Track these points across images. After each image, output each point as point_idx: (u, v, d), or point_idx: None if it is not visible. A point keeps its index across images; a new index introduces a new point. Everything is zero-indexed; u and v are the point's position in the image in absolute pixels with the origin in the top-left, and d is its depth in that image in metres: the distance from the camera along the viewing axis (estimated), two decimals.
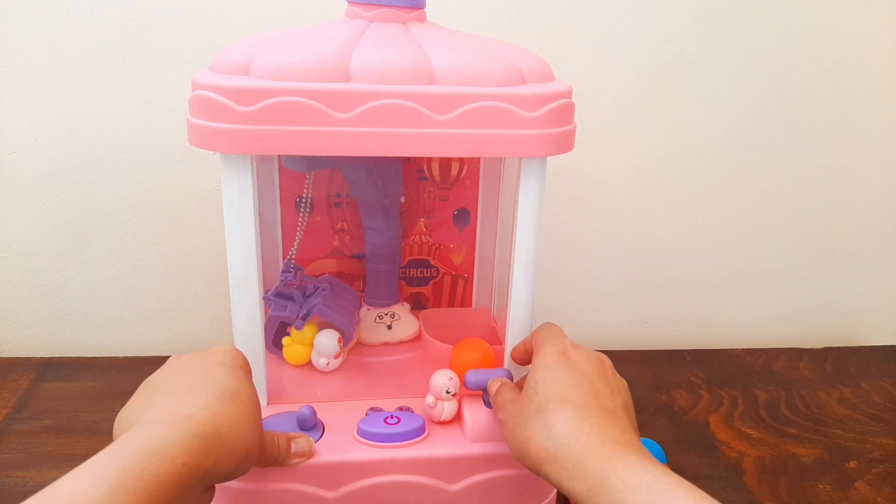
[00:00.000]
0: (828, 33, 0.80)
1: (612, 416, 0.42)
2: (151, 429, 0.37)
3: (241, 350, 0.48)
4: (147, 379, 0.45)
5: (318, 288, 0.60)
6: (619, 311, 0.89)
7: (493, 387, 0.50)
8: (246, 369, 0.46)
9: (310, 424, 0.51)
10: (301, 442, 0.48)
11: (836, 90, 0.82)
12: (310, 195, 0.66)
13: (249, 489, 0.48)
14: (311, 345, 0.60)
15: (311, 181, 0.66)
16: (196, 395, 0.40)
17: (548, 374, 0.44)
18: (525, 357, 0.52)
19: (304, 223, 0.67)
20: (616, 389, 0.45)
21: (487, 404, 0.53)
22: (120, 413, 0.42)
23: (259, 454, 0.44)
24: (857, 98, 0.83)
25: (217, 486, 0.44)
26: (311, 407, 0.51)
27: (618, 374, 0.47)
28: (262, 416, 0.51)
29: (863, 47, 0.81)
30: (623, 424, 0.42)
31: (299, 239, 0.67)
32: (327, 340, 0.59)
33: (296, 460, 0.48)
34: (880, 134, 0.85)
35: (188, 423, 0.38)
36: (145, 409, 0.40)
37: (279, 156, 0.65)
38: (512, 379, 0.52)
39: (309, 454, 0.49)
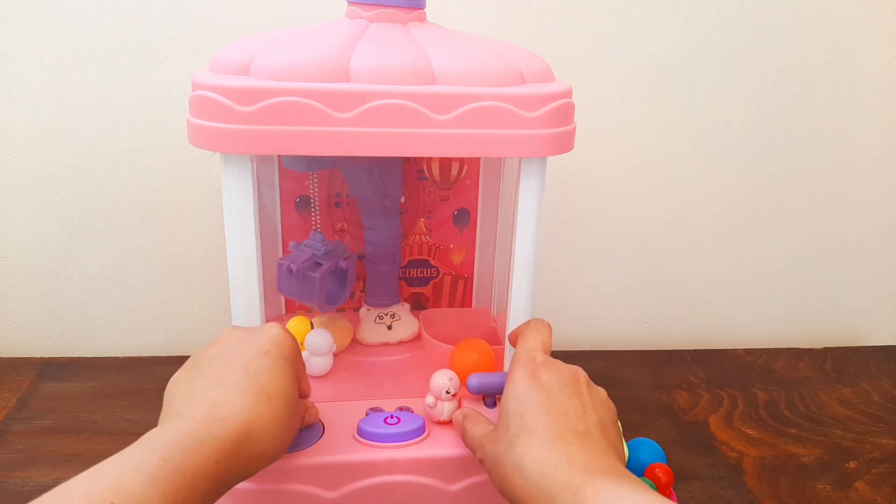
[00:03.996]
0: (827, 32, 0.80)
1: (584, 439, 0.41)
2: (190, 425, 0.38)
3: (294, 340, 0.47)
4: (197, 353, 0.46)
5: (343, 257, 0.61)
6: (619, 311, 0.89)
7: (457, 420, 0.50)
8: (290, 360, 0.45)
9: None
10: (312, 411, 0.50)
11: (835, 89, 0.82)
12: (316, 195, 0.67)
13: (249, 489, 0.48)
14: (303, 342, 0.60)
15: (315, 181, 0.66)
16: (235, 393, 0.41)
17: (517, 403, 0.43)
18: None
19: (318, 223, 0.67)
20: (590, 407, 0.43)
21: (488, 405, 0.53)
22: (171, 380, 0.44)
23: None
24: (856, 97, 0.83)
25: None
26: None
27: (595, 387, 0.46)
28: None
29: (862, 46, 0.81)
30: (595, 445, 0.41)
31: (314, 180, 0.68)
32: (319, 339, 0.59)
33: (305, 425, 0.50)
34: (879, 133, 0.85)
35: (222, 426, 0.39)
36: (191, 392, 0.41)
37: (278, 156, 0.65)
38: None
39: (314, 420, 0.51)
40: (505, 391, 0.45)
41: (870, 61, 0.82)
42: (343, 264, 0.60)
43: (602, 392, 0.46)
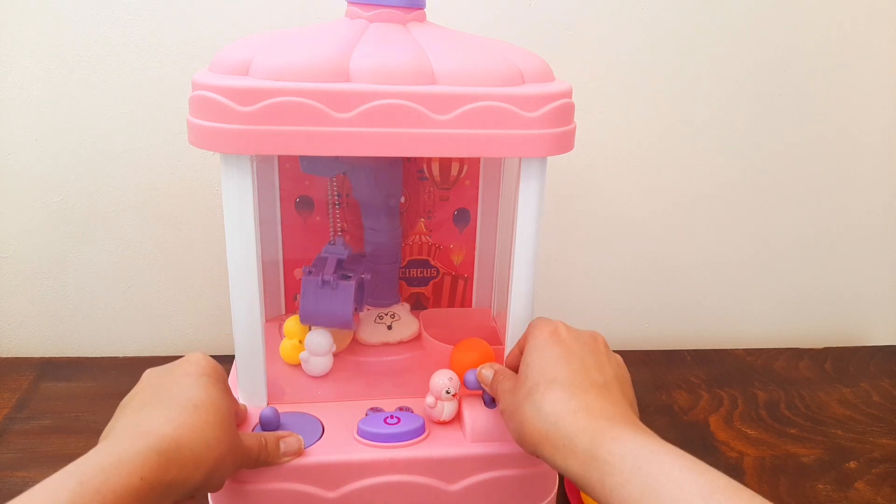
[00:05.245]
0: (827, 30, 0.79)
1: (602, 390, 0.42)
2: (109, 445, 0.37)
3: (213, 358, 0.48)
4: (123, 399, 0.45)
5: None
6: (619, 312, 0.89)
7: (488, 374, 0.50)
8: (213, 377, 0.46)
9: (273, 426, 0.50)
10: (290, 441, 0.49)
11: (836, 89, 0.82)
12: (335, 198, 0.67)
13: (249, 489, 0.48)
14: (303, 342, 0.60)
15: (333, 184, 0.67)
16: (158, 410, 0.41)
17: (537, 355, 0.45)
18: (520, 360, 0.51)
19: (337, 223, 0.68)
20: (607, 364, 0.45)
21: (487, 404, 0.53)
22: (102, 434, 0.43)
23: (238, 460, 0.44)
24: (856, 99, 0.83)
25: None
26: (274, 408, 0.51)
27: (612, 351, 0.47)
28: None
29: (862, 42, 0.81)
30: (613, 397, 0.42)
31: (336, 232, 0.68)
32: (319, 339, 0.59)
33: (286, 459, 0.48)
34: (880, 137, 0.85)
35: (145, 438, 0.38)
36: (113, 427, 0.41)
37: (278, 156, 0.65)
38: None
39: (299, 452, 0.49)
40: (526, 347, 0.46)
41: (871, 58, 0.81)
42: (366, 276, 0.60)
43: (618, 357, 0.48)
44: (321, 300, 0.58)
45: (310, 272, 0.59)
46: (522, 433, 0.43)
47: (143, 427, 0.39)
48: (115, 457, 0.36)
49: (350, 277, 0.59)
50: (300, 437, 0.49)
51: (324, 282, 0.58)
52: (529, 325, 0.50)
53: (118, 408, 0.45)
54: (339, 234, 0.67)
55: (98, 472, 0.35)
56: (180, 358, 0.48)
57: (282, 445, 0.48)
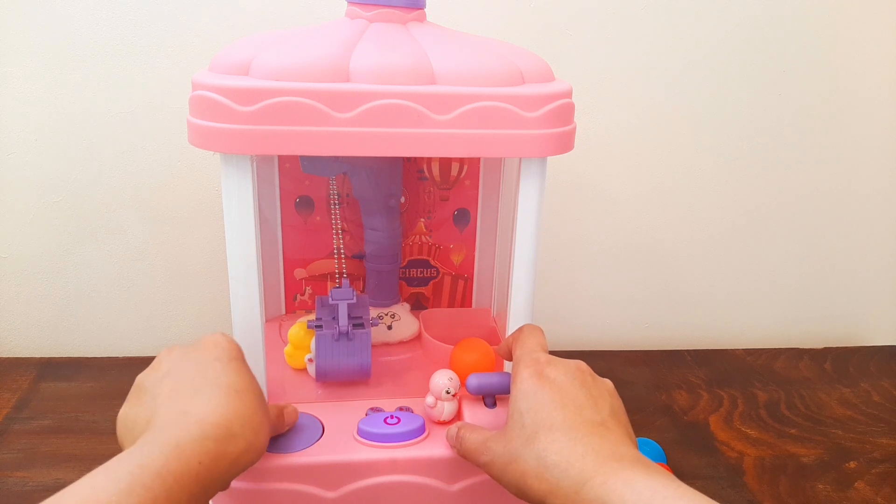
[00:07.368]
0: (829, 38, 0.80)
1: (603, 430, 0.41)
2: (165, 431, 0.37)
3: (237, 343, 0.47)
4: (139, 379, 0.44)
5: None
6: (620, 312, 0.89)
7: (452, 433, 0.49)
8: (241, 359, 0.46)
9: None
10: (290, 410, 0.51)
11: (837, 94, 0.82)
12: (336, 199, 0.67)
13: (249, 489, 0.48)
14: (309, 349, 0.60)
15: (334, 186, 0.67)
16: (202, 397, 0.41)
17: (529, 401, 0.43)
18: (508, 354, 0.52)
19: (339, 222, 0.67)
20: (599, 397, 0.44)
21: (488, 405, 0.53)
22: (120, 416, 0.42)
23: (270, 437, 0.46)
24: (857, 103, 0.83)
25: None
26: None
27: (599, 378, 0.46)
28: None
29: (865, 55, 0.81)
30: (615, 435, 0.41)
31: (339, 236, 0.68)
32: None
33: (287, 427, 0.51)
34: (879, 137, 0.85)
35: (200, 426, 0.38)
36: (154, 412, 0.40)
37: (278, 156, 0.65)
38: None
39: (295, 421, 0.52)
40: (513, 392, 0.45)
41: (871, 69, 0.81)
42: (376, 321, 0.59)
43: (608, 383, 0.46)
44: (338, 355, 0.56)
45: (318, 325, 0.56)
46: (526, 486, 0.41)
47: (195, 414, 0.39)
48: (173, 442, 0.36)
49: (362, 325, 0.56)
50: (294, 406, 0.52)
51: (340, 334, 0.55)
52: (516, 341, 0.49)
53: (138, 388, 0.43)
54: (341, 234, 0.67)
55: (158, 456, 0.35)
56: (200, 338, 0.46)
57: (285, 416, 0.51)
